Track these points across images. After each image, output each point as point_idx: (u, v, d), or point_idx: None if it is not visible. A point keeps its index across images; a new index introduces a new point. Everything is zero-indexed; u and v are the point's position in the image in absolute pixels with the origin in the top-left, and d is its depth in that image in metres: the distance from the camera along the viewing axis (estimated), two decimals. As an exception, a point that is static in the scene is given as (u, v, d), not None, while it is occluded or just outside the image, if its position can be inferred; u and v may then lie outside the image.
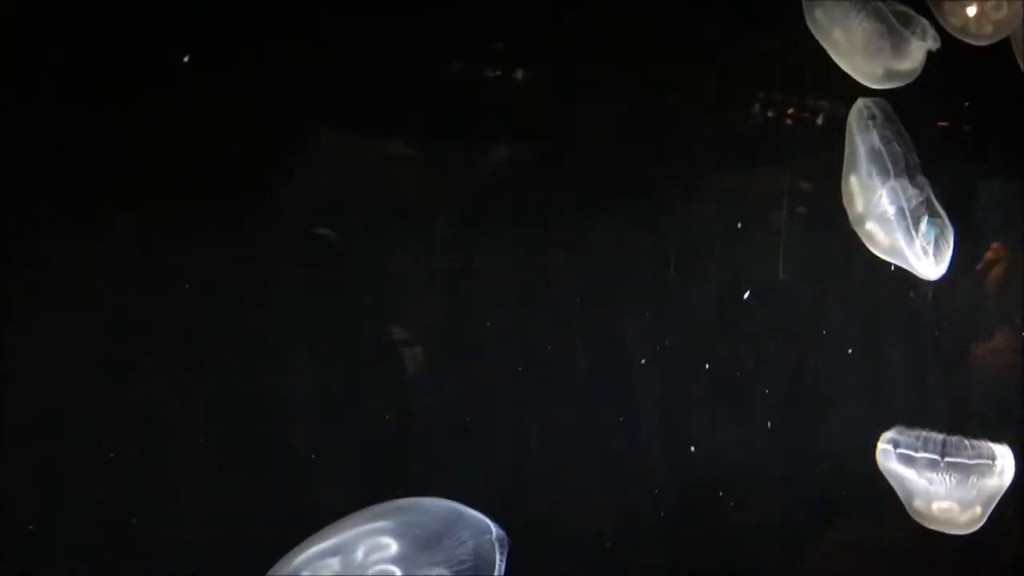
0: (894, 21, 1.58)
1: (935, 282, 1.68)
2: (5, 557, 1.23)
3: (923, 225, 1.61)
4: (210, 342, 1.35)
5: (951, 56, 1.65)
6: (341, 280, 1.46)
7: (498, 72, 1.55)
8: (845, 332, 1.83)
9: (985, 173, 1.96)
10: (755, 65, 1.73)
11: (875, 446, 1.64)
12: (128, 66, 1.29)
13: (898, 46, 1.59)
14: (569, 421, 1.60)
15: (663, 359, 1.67)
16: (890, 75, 1.62)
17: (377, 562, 1.14)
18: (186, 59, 1.31)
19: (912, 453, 1.59)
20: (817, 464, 1.79)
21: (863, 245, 1.65)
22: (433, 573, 1.13)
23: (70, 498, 1.27)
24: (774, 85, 1.76)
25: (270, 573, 1.16)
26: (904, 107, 1.64)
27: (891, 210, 1.60)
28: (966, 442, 1.58)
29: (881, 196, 1.60)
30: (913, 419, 1.63)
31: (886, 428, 1.64)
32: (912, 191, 1.61)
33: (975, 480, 1.57)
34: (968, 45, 1.70)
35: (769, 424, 1.75)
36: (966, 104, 1.91)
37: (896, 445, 1.60)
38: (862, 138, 1.63)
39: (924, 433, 1.60)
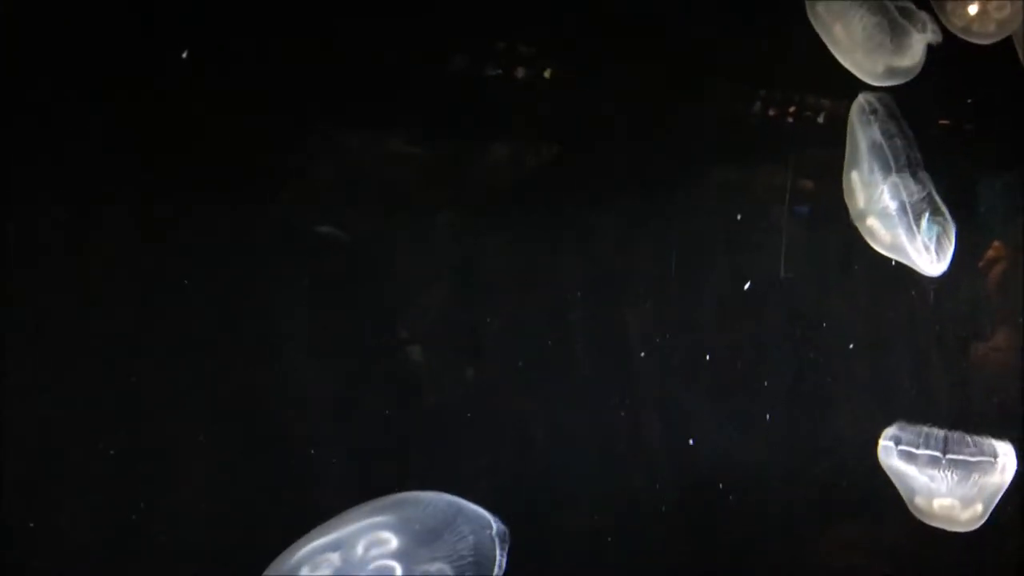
0: (895, 14, 1.58)
1: (937, 279, 1.67)
2: (5, 556, 1.23)
3: (925, 222, 1.61)
4: (211, 340, 1.35)
5: (953, 54, 1.65)
6: (342, 278, 1.46)
7: (499, 71, 1.56)
8: (846, 328, 1.82)
9: (987, 171, 1.96)
10: (756, 63, 1.73)
11: (876, 442, 1.64)
12: (128, 66, 1.29)
13: (899, 40, 1.59)
14: (570, 416, 1.60)
15: (664, 355, 1.67)
16: (890, 72, 1.62)
17: (377, 557, 1.14)
18: (185, 54, 1.31)
19: (913, 450, 1.58)
20: (818, 460, 1.78)
21: (865, 242, 1.65)
22: (433, 568, 1.13)
23: (70, 497, 1.27)
24: (775, 83, 1.77)
25: (270, 569, 1.17)
26: (906, 105, 1.64)
27: (892, 206, 1.60)
28: (968, 439, 1.57)
29: (882, 192, 1.60)
30: (915, 416, 1.63)
31: (887, 424, 1.63)
32: (914, 187, 1.60)
33: (977, 477, 1.57)
34: (970, 43, 1.70)
35: (770, 419, 1.75)
36: (968, 102, 1.90)
37: (897, 442, 1.60)
38: (863, 133, 1.63)
39: (926, 430, 1.59)
